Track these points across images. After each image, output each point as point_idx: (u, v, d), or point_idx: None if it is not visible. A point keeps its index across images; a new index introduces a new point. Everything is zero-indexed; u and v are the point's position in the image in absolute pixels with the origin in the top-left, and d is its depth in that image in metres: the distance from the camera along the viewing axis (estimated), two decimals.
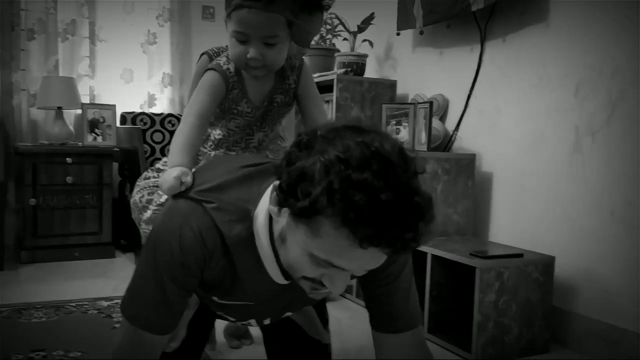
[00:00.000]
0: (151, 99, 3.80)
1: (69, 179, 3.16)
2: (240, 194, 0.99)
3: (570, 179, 2.15)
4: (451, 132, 2.69)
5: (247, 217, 0.97)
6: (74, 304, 2.37)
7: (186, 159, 1.17)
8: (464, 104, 2.64)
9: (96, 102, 3.57)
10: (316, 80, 3.10)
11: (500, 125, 2.47)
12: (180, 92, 3.84)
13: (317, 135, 0.84)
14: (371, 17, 2.95)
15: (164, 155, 3.57)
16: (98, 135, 3.42)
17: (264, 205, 0.95)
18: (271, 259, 0.97)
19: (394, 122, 2.59)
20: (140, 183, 1.41)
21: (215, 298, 1.10)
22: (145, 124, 3.58)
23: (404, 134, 2.52)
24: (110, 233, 3.31)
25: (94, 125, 3.42)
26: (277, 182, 0.87)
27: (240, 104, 1.33)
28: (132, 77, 3.74)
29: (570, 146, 2.15)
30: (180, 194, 1.03)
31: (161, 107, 3.81)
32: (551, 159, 2.22)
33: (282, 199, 0.84)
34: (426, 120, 2.39)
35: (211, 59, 1.35)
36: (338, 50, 3.13)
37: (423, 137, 2.42)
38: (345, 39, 3.05)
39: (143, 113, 3.63)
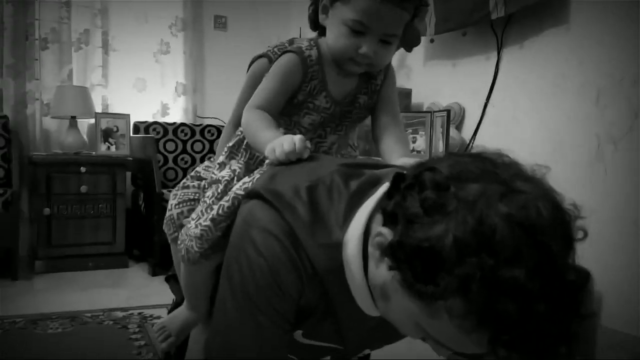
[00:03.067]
0: (164, 108, 3.81)
1: (83, 189, 3.16)
2: (330, 208, 0.82)
3: (591, 188, 2.12)
4: (468, 141, 2.67)
5: (336, 242, 0.81)
6: (89, 315, 2.36)
7: (279, 133, 1.01)
8: (480, 112, 2.62)
9: (109, 111, 3.58)
10: None
11: (518, 133, 2.45)
12: (193, 101, 3.84)
13: (449, 189, 0.64)
14: None
15: (176, 164, 3.57)
16: (112, 144, 3.42)
17: (357, 230, 0.79)
18: (365, 295, 0.80)
19: (410, 130, 2.57)
20: (179, 193, 1.23)
21: (300, 332, 0.90)
22: (158, 133, 3.58)
23: (420, 143, 2.50)
24: (124, 243, 3.30)
25: (107, 134, 3.42)
26: (383, 230, 0.71)
27: (318, 98, 1.12)
28: (145, 87, 3.75)
29: (591, 155, 2.13)
30: (250, 194, 0.88)
31: (174, 116, 3.81)
32: (570, 168, 2.20)
33: (395, 264, 0.68)
34: (443, 129, 2.37)
35: (272, 62, 1.16)
36: None
37: (440, 146, 2.40)
38: None
39: (156, 122, 3.63)
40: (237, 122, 1.18)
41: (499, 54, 2.53)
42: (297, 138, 0.94)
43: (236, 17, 4.03)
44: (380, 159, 1.19)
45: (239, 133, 1.15)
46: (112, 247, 3.27)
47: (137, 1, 3.71)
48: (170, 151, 3.59)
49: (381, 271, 0.73)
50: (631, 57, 1.98)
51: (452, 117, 2.66)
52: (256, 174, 0.99)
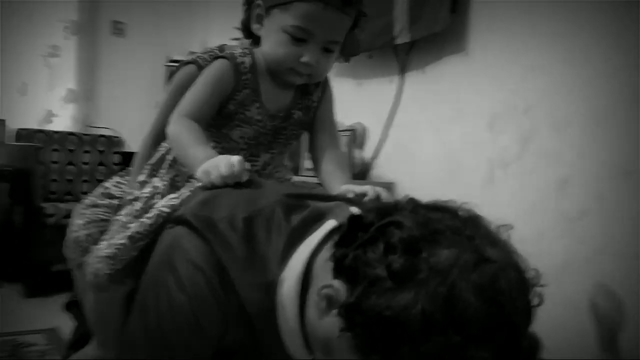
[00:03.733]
0: (49, 115, 3.52)
1: None
2: (268, 243, 0.75)
3: (483, 209, 2.21)
4: (369, 161, 2.70)
5: (272, 281, 0.73)
6: None
7: (212, 152, 0.92)
8: (382, 133, 2.67)
9: None
10: None
11: (417, 155, 2.51)
12: (84, 110, 3.59)
13: (420, 254, 0.59)
14: None
15: (62, 176, 3.29)
16: None
17: (296, 270, 0.72)
18: (298, 340, 0.73)
19: None
20: (87, 212, 1.10)
21: None
22: (42, 141, 3.29)
23: None
24: None
25: None
26: (337, 284, 0.64)
27: (250, 109, 1.04)
28: (27, 91, 3.46)
29: (483, 178, 2.22)
30: (178, 219, 0.79)
31: (62, 124, 3.54)
32: (465, 189, 2.28)
33: (349, 327, 0.61)
34: (348, 148, 2.38)
35: (200, 69, 1.08)
36: None
37: None
38: None
39: (40, 130, 3.34)
40: (158, 136, 1.07)
41: (401, 77, 2.59)
42: (236, 160, 0.85)
43: (136, 23, 3.85)
44: (319, 183, 1.12)
45: (162, 149, 1.04)
46: None
47: (28, 1, 3.43)
48: (55, 162, 3.30)
49: (325, 325, 0.66)
50: (523, 86, 2.10)
51: (356, 137, 2.68)
52: (184, 191, 0.90)
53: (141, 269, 0.81)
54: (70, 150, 3.35)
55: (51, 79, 3.52)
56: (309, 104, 1.12)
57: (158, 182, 1.00)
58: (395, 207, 0.67)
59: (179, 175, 1.00)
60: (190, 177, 0.97)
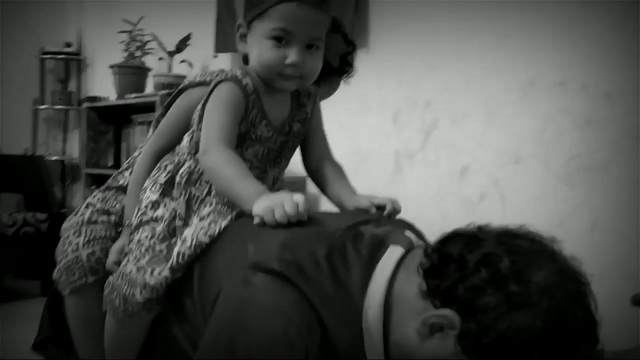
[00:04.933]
0: None
1: None
2: (348, 275, 0.80)
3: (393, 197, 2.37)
4: None
5: (358, 310, 0.79)
6: None
7: (263, 187, 0.93)
8: None
9: None
10: (131, 101, 2.92)
11: None
12: None
13: (530, 280, 0.71)
14: (188, 37, 2.86)
15: None
16: None
17: (377, 298, 0.79)
18: None
19: None
20: (84, 230, 1.06)
21: None
22: None
23: None
24: None
25: None
26: (449, 314, 0.74)
27: (259, 127, 1.06)
28: None
29: (391, 168, 2.37)
30: (268, 270, 0.80)
31: None
32: (374, 180, 2.41)
33: (472, 351, 0.72)
34: None
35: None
36: (149, 69, 2.97)
37: None
38: (161, 58, 2.90)
39: None
40: (158, 153, 1.07)
41: None
42: (300, 200, 0.88)
43: (7, 14, 3.50)
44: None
45: (167, 165, 1.04)
46: None
47: None
48: None
49: (430, 347, 0.76)
50: (424, 82, 2.27)
51: None
52: (214, 218, 0.94)
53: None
54: None
55: None
56: (304, 116, 1.15)
57: (173, 204, 1.00)
58: (475, 238, 0.77)
59: (193, 198, 1.01)
60: (202, 199, 1.00)
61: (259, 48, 1.01)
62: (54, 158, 3.71)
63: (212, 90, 1.04)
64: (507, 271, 0.72)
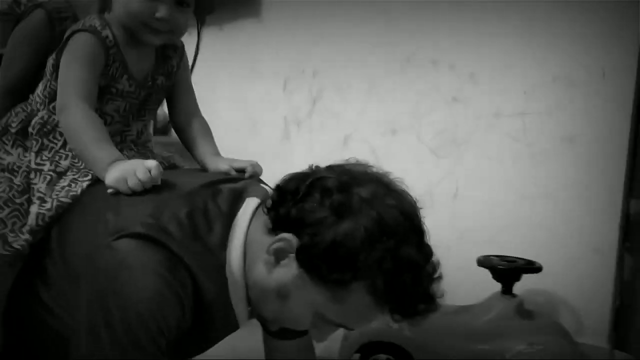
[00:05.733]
0: None
1: None
2: (209, 232, 0.84)
3: (280, 164, 2.45)
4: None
5: (221, 265, 0.84)
6: None
7: (117, 153, 0.94)
8: None
9: None
10: None
11: (217, 112, 2.62)
12: None
13: (352, 191, 0.78)
14: None
15: None
16: None
17: (238, 249, 0.85)
18: (244, 307, 0.88)
19: None
20: None
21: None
22: None
23: None
24: None
25: None
26: (286, 235, 0.80)
27: (120, 81, 1.04)
28: None
29: (280, 134, 2.45)
30: (135, 234, 0.81)
31: None
32: (265, 145, 2.48)
33: (309, 263, 0.78)
34: None
35: (51, 18, 1.06)
36: None
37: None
38: None
39: None
40: (10, 89, 1.07)
41: (199, 33, 2.63)
42: (153, 165, 0.89)
43: None
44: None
45: (22, 117, 1.01)
46: None
47: None
48: None
49: (277, 274, 0.82)
50: (313, 52, 2.33)
51: None
52: (74, 177, 0.94)
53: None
54: None
55: None
56: (169, 70, 1.13)
57: (28, 155, 0.98)
58: (311, 172, 0.85)
59: (46, 149, 0.99)
60: (73, 157, 0.98)
61: None
62: None
63: (67, 40, 1.00)
64: (332, 187, 0.79)
